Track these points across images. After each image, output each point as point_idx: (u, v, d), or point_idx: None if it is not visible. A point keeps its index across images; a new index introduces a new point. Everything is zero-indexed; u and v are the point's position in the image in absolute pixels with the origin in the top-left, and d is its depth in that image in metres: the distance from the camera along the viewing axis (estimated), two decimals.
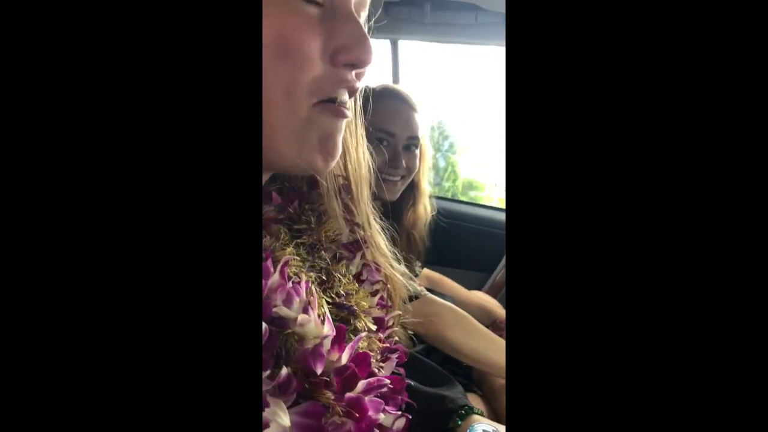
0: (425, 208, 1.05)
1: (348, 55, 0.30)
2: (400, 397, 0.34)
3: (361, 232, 0.43)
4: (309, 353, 0.26)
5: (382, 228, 0.45)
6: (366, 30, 0.32)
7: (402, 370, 0.38)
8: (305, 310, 0.27)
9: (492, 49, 1.41)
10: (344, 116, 0.32)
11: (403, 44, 1.47)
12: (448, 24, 1.19)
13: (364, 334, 0.31)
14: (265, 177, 0.37)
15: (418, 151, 0.97)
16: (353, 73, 0.32)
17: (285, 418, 0.24)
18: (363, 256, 0.43)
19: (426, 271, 1.13)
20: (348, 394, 0.27)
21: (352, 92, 0.33)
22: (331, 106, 0.31)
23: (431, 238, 1.09)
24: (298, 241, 0.38)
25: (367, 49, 0.31)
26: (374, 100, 0.94)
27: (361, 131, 0.41)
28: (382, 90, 0.95)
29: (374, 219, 0.44)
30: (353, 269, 0.41)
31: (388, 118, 0.92)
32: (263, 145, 0.30)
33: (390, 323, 0.41)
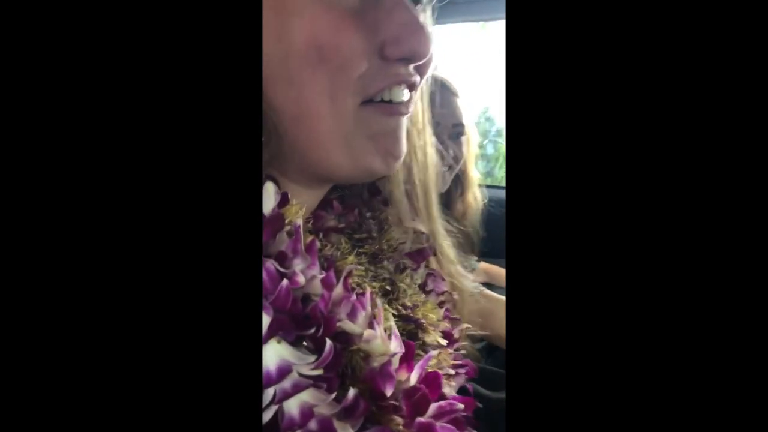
0: (475, 198, 1.00)
1: (398, 47, 0.27)
2: (466, 416, 0.31)
3: (425, 240, 0.40)
4: (377, 373, 0.24)
5: (449, 233, 0.42)
6: (423, 17, 0.30)
7: (470, 387, 0.35)
8: (371, 325, 0.25)
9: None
10: (398, 113, 0.29)
11: (437, 30, 1.45)
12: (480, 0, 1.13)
13: (434, 352, 0.29)
14: (327, 187, 0.36)
15: (464, 139, 0.93)
16: (410, 67, 0.29)
17: None
18: (427, 265, 0.40)
19: (483, 264, 1.07)
20: (419, 419, 0.25)
21: (410, 87, 0.29)
22: (381, 105, 0.28)
23: (485, 229, 1.03)
24: (359, 250, 0.36)
25: (420, 39, 0.27)
26: None
27: (430, 131, 0.39)
28: (433, 84, 0.92)
29: (441, 226, 0.41)
30: (418, 279, 0.39)
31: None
32: (316, 159, 0.28)
33: (457, 336, 0.38)
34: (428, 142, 0.39)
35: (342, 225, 0.37)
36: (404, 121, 0.31)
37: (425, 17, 0.32)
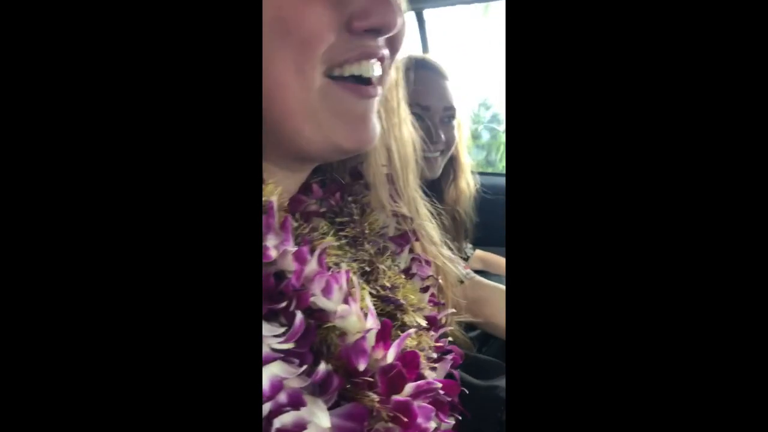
0: (467, 183, 0.98)
1: (366, 20, 0.26)
2: (450, 401, 0.31)
3: (409, 224, 0.40)
4: (350, 349, 0.23)
5: (432, 215, 0.41)
6: None
7: (457, 374, 0.35)
8: (346, 301, 0.25)
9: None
10: (367, 95, 0.29)
11: (429, 14, 1.42)
12: None
13: (412, 330, 0.28)
14: (307, 170, 0.35)
15: (455, 123, 0.92)
16: (380, 40, 0.28)
17: (324, 419, 0.21)
18: (411, 250, 0.40)
19: (479, 252, 1.06)
20: (395, 397, 0.24)
21: (380, 60, 0.29)
22: (351, 85, 0.28)
23: (480, 216, 1.01)
24: (341, 233, 0.36)
25: (388, 10, 0.27)
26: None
27: (404, 108, 0.38)
28: (408, 61, 0.88)
29: (423, 206, 0.40)
30: (401, 263, 0.38)
31: (421, 91, 0.84)
32: (286, 133, 0.28)
33: (443, 321, 0.37)
34: (403, 118, 0.38)
35: (323, 209, 0.37)
36: (374, 103, 0.30)
37: None
